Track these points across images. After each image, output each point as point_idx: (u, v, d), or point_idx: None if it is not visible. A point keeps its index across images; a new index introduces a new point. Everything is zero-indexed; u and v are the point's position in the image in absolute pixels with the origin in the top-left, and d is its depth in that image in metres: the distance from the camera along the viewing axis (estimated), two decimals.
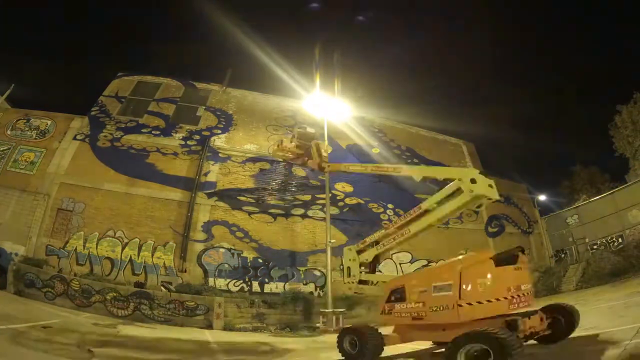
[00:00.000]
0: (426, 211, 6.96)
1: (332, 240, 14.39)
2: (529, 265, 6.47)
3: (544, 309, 5.96)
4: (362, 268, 8.03)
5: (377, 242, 8.04)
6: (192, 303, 13.10)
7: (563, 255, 23.10)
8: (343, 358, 6.78)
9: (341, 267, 8.57)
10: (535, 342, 5.83)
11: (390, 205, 20.14)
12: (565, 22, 58.14)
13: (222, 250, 16.16)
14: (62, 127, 18.07)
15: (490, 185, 6.30)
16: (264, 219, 17.26)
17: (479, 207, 6.49)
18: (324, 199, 16.63)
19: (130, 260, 15.09)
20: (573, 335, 5.97)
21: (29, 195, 15.59)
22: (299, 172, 19.55)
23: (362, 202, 19.64)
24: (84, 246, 15.03)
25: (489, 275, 5.45)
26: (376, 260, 8.13)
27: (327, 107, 16.76)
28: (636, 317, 6.78)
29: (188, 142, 18.80)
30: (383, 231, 8.03)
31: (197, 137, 19.13)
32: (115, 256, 15.05)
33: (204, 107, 20.89)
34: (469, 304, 5.32)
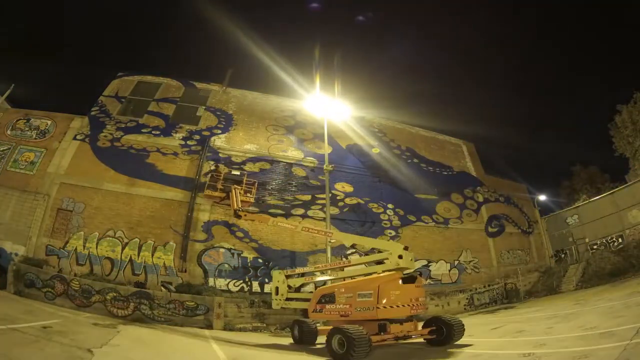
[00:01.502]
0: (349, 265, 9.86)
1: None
2: (424, 284, 8.69)
3: (433, 319, 8.04)
4: (290, 288, 10.53)
5: (303, 274, 10.76)
6: (192, 303, 13.12)
7: (563, 255, 23.09)
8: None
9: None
10: (425, 342, 7.99)
11: (390, 205, 20.14)
12: (565, 22, 58.12)
13: (222, 250, 16.16)
14: (62, 127, 18.07)
15: (411, 259, 8.15)
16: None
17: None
18: (324, 199, 16.63)
19: (130, 260, 15.07)
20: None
21: (29, 195, 15.57)
22: (299, 172, 19.56)
23: (362, 202, 19.64)
24: (84, 246, 15.01)
25: (397, 289, 7.62)
26: (301, 286, 10.77)
27: (327, 107, 16.76)
28: (636, 317, 6.78)
29: (188, 142, 18.80)
30: (311, 268, 10.98)
31: (197, 137, 19.13)
32: (115, 256, 15.03)
33: (204, 107, 20.89)
34: (384, 307, 7.42)
